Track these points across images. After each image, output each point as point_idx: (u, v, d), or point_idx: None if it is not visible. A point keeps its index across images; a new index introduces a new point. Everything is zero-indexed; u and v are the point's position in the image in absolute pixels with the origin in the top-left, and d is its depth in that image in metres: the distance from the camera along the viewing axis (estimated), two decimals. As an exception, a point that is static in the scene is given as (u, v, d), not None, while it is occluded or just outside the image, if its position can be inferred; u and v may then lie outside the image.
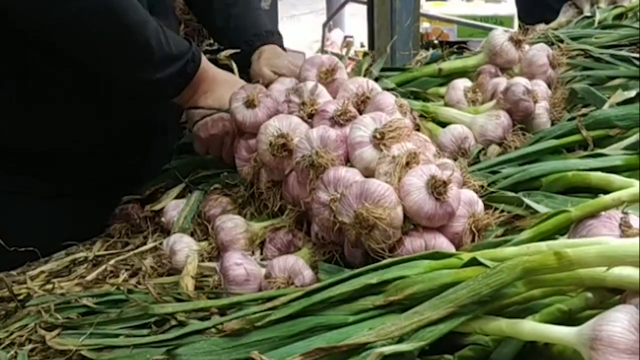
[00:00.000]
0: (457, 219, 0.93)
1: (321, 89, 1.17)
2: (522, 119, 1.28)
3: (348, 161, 1.02)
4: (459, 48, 1.89)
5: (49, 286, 1.06)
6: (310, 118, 1.13)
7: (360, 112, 1.09)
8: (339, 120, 1.06)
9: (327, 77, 1.21)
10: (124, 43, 1.17)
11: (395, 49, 2.59)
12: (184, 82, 1.24)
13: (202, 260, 1.07)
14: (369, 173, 0.97)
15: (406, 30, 2.79)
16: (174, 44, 1.22)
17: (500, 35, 1.44)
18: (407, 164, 0.93)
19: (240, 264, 0.96)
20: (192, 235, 1.16)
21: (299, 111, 1.14)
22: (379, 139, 0.99)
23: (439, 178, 0.90)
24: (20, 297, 1.03)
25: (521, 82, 1.30)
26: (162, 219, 1.23)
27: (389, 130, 0.98)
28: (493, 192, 1.06)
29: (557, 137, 1.21)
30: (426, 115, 1.35)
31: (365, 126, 1.01)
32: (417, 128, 1.18)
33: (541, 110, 1.32)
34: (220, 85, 1.29)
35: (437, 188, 0.90)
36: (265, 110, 1.18)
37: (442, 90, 1.49)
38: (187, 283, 1.00)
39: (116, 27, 1.15)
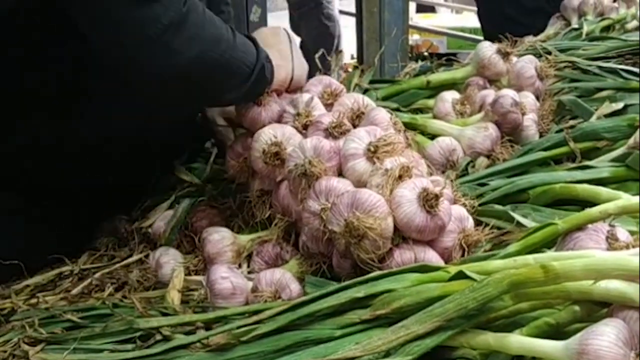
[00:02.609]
0: (447, 234, 0.93)
1: (317, 101, 1.17)
2: (510, 131, 1.28)
3: (340, 174, 1.01)
4: (449, 60, 1.89)
5: (34, 300, 1.05)
6: (304, 129, 1.12)
7: (355, 127, 1.09)
8: (334, 132, 1.06)
9: (329, 99, 1.21)
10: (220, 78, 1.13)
11: (385, 60, 2.59)
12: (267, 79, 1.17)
13: (189, 273, 1.06)
14: (360, 185, 0.97)
15: (395, 42, 2.79)
16: (243, 49, 1.13)
17: (488, 48, 1.44)
18: (400, 177, 0.93)
19: (227, 278, 0.95)
20: (178, 247, 1.15)
21: (293, 122, 1.14)
22: (373, 152, 0.99)
23: (431, 191, 0.90)
24: (5, 312, 1.02)
25: (509, 94, 1.30)
26: (149, 230, 1.22)
27: (383, 144, 0.98)
28: (482, 204, 1.05)
29: (545, 149, 1.21)
30: (414, 128, 1.35)
31: (359, 139, 1.01)
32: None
33: (529, 122, 1.32)
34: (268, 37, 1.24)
35: (428, 201, 0.90)
36: (269, 112, 1.17)
37: (430, 102, 1.49)
38: (173, 297, 0.99)
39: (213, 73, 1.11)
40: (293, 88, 1.22)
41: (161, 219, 1.20)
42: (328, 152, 1.01)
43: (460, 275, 0.76)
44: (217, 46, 1.08)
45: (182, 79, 1.07)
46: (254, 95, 1.16)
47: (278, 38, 1.25)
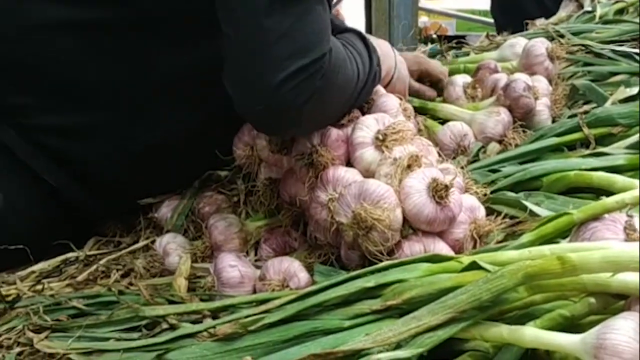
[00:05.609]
0: (458, 224, 0.91)
1: None
2: (522, 116, 1.26)
3: (348, 162, 1.00)
4: (458, 42, 1.86)
5: (39, 287, 1.04)
6: None
7: (364, 113, 1.07)
8: (341, 120, 1.04)
9: None
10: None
11: (393, 43, 2.56)
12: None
13: (196, 260, 1.05)
14: (369, 175, 0.95)
15: (405, 24, 2.76)
16: (362, 62, 1.07)
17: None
18: (409, 166, 0.92)
19: (235, 266, 0.94)
20: (185, 233, 1.14)
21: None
22: (381, 141, 0.97)
23: (440, 181, 0.88)
24: (9, 298, 1.00)
25: (522, 78, 1.28)
26: (155, 215, 1.20)
27: (391, 132, 0.97)
28: (494, 191, 1.03)
29: (558, 135, 1.19)
30: (425, 112, 1.33)
31: (367, 127, 0.99)
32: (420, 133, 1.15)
33: (542, 107, 1.29)
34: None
35: (438, 192, 0.88)
36: None
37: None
38: (180, 284, 0.97)
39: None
40: (391, 89, 1.18)
41: (167, 205, 1.19)
42: (335, 141, 0.99)
43: (474, 266, 0.74)
44: (347, 91, 1.03)
45: (307, 124, 1.01)
46: (361, 102, 1.11)
47: (380, 42, 1.21)
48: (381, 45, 1.20)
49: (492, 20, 3.35)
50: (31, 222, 1.14)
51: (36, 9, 1.10)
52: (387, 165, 0.94)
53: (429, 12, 4.76)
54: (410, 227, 0.90)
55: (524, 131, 1.25)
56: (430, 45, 1.91)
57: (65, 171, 1.16)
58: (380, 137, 0.97)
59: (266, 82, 0.92)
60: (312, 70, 0.92)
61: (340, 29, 1.13)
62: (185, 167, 1.23)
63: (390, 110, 1.07)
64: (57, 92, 1.13)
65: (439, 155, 1.06)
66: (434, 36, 4.48)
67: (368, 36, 1.16)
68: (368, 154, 0.98)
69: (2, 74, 1.15)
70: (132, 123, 1.14)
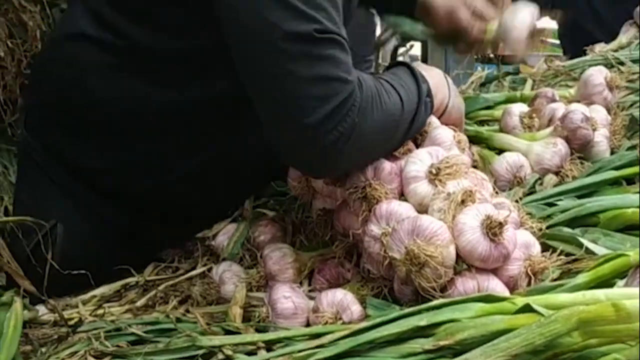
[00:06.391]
0: (512, 261, 0.90)
1: None
2: (580, 148, 1.24)
3: (402, 195, 1.00)
4: (515, 67, 1.85)
5: (100, 311, 1.07)
6: None
7: (417, 146, 1.08)
8: (395, 152, 1.05)
9: None
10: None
11: (449, 66, 2.55)
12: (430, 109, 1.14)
13: (251, 289, 1.07)
14: (422, 209, 0.96)
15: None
16: (407, 93, 1.07)
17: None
18: (463, 201, 0.92)
19: (289, 297, 0.96)
20: (241, 260, 1.16)
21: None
22: (435, 175, 0.97)
23: (494, 219, 0.88)
24: (72, 322, 1.04)
25: (579, 109, 1.26)
26: (212, 243, 1.23)
27: (445, 166, 0.97)
28: (550, 226, 1.03)
29: (617, 168, 1.17)
30: (480, 141, 1.32)
31: (421, 160, 0.99)
32: (475, 165, 1.15)
33: (600, 138, 1.27)
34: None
35: (492, 229, 0.88)
36: None
37: (497, 113, 1.46)
38: (235, 313, 0.99)
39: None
40: (446, 119, 1.18)
41: (224, 233, 1.21)
42: (389, 174, 1.00)
43: (527, 309, 0.74)
44: (389, 125, 1.03)
45: (351, 163, 1.03)
46: (414, 134, 1.11)
47: (432, 72, 1.22)
48: (433, 76, 1.20)
49: (551, 41, 3.31)
50: (91, 251, 1.20)
51: (84, 53, 1.19)
52: (441, 200, 0.94)
53: (487, 30, 4.71)
54: (464, 263, 0.90)
55: (581, 163, 1.23)
56: (487, 70, 1.90)
57: (114, 205, 1.24)
58: (434, 171, 0.98)
59: (303, 127, 0.95)
60: (346, 108, 0.95)
61: (389, 64, 1.15)
62: (225, 193, 1.28)
63: (444, 142, 1.07)
64: (102, 133, 1.22)
65: (494, 189, 1.05)
66: (491, 55, 4.45)
67: (419, 65, 1.17)
68: (421, 188, 0.98)
69: (50, 117, 1.26)
70: (169, 155, 1.21)
